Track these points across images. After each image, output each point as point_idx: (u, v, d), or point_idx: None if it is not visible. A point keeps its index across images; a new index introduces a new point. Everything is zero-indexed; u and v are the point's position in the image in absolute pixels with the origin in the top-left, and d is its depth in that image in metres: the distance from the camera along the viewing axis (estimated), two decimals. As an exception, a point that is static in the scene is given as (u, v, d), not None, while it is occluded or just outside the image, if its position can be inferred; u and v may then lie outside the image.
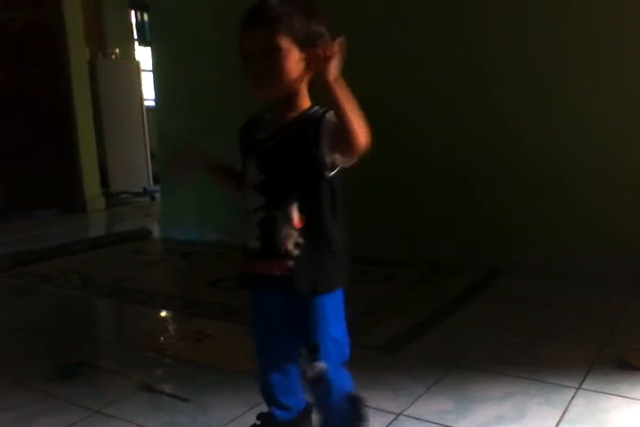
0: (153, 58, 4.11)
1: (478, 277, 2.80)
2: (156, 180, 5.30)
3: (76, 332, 2.30)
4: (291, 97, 1.19)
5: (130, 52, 6.77)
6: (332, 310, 1.23)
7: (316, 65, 1.13)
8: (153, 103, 4.35)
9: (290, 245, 1.17)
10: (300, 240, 1.17)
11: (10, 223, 4.65)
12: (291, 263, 1.18)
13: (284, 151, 1.19)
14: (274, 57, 1.13)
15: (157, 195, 5.25)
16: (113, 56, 6.07)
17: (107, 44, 6.31)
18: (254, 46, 1.14)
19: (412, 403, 1.63)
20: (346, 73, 1.11)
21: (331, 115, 1.13)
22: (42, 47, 4.96)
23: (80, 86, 5.10)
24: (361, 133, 1.08)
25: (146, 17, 6.78)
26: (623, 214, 2.67)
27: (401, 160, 3.10)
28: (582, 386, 1.70)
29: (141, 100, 6.08)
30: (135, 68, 6.16)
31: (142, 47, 6.87)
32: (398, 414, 1.56)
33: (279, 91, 1.17)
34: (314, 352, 1.22)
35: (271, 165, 1.21)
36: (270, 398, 1.33)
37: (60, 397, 1.72)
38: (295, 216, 1.16)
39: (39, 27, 4.94)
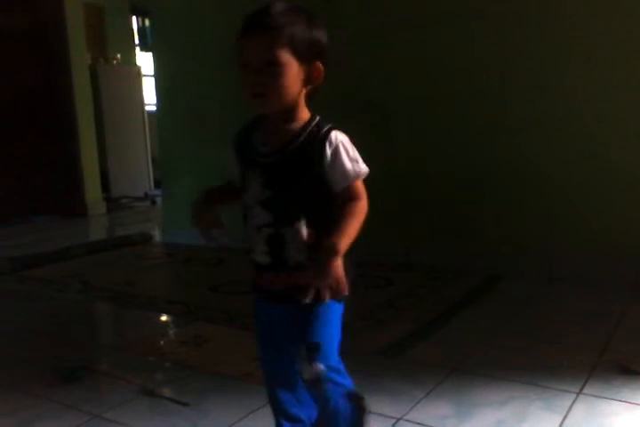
0: (154, 63, 4.13)
1: (478, 282, 2.80)
2: (157, 184, 5.31)
3: (76, 336, 2.30)
4: (290, 109, 1.16)
5: (131, 58, 6.79)
6: (335, 315, 1.23)
7: (315, 79, 1.14)
8: (154, 108, 4.36)
9: (301, 259, 1.17)
10: (313, 254, 1.15)
11: (11, 228, 4.66)
12: (298, 275, 1.17)
13: (289, 169, 1.16)
14: (273, 71, 1.09)
15: (158, 199, 5.26)
16: (114, 61, 6.09)
17: (108, 50, 6.33)
18: (253, 56, 1.10)
19: (412, 408, 1.63)
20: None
21: (334, 138, 1.14)
22: (43, 52, 4.98)
23: (81, 91, 5.12)
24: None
25: (147, 22, 6.80)
26: (624, 219, 2.68)
27: (401, 165, 3.10)
28: (583, 391, 1.70)
29: (142, 105, 6.10)
30: (136, 74, 6.18)
31: (143, 53, 6.89)
32: (398, 419, 1.56)
33: (277, 106, 1.14)
34: (312, 352, 1.20)
35: (277, 182, 1.18)
36: (279, 411, 1.31)
37: (60, 401, 1.72)
38: (304, 232, 1.16)
39: (40, 32, 4.96)
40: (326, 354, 1.21)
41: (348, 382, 1.27)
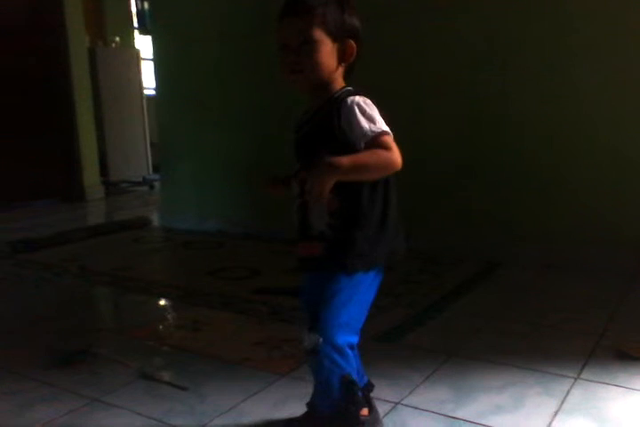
0: (153, 46, 4.09)
1: (477, 268, 2.80)
2: (156, 169, 5.30)
3: (74, 320, 2.30)
4: (326, 85, 1.23)
5: (130, 41, 6.74)
6: (349, 289, 1.23)
7: (348, 56, 1.22)
8: (153, 92, 4.34)
9: (323, 228, 1.22)
10: (335, 222, 1.21)
11: (9, 212, 4.65)
12: (323, 245, 1.22)
13: (309, 138, 1.25)
14: (308, 49, 1.18)
15: (157, 184, 5.25)
16: (113, 44, 6.05)
17: (107, 33, 6.28)
18: (290, 37, 1.19)
19: (411, 392, 1.63)
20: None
21: (349, 101, 1.18)
22: (41, 35, 4.94)
23: (80, 75, 5.09)
24: (389, 169, 1.18)
25: (146, 5, 6.74)
26: (621, 207, 2.67)
27: (402, 152, 3.08)
28: (580, 376, 1.70)
29: (141, 88, 6.07)
30: (135, 57, 6.14)
31: (142, 36, 6.84)
32: (397, 404, 1.57)
33: (313, 81, 1.22)
34: (314, 322, 1.22)
35: (302, 153, 1.26)
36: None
37: (58, 385, 1.72)
38: (325, 201, 1.18)
39: (39, 15, 4.91)
40: (327, 328, 1.21)
41: (349, 366, 1.26)
